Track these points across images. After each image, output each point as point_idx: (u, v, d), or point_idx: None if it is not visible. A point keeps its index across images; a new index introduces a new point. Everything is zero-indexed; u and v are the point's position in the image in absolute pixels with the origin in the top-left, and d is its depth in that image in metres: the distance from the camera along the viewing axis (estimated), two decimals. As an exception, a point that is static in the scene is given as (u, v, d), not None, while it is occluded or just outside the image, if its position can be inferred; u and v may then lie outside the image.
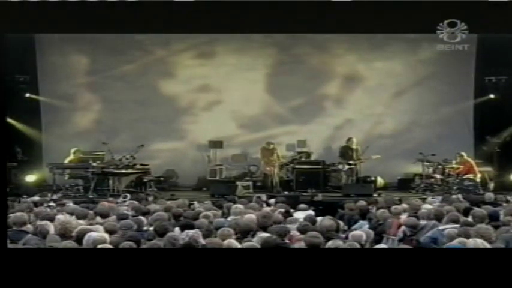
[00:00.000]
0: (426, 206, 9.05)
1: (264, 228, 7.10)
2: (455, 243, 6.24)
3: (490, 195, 10.77)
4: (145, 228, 7.69)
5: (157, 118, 15.63)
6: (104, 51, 15.48)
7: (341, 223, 8.51)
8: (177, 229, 7.08)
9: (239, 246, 6.27)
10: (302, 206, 10.01)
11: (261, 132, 15.70)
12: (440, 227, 7.24)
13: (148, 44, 15.54)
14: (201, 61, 15.68)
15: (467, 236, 6.28)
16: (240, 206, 9.15)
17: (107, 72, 15.60)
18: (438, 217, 7.82)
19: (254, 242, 6.35)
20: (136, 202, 10.30)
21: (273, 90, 15.75)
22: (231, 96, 15.74)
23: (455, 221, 7.32)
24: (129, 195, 11.42)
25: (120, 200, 10.93)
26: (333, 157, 14.99)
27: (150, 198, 11.56)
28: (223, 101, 15.80)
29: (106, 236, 6.47)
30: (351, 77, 15.76)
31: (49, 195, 11.59)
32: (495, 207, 8.94)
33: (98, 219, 8.02)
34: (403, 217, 8.34)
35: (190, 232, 6.33)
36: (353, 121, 15.74)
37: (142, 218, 7.85)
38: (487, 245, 5.92)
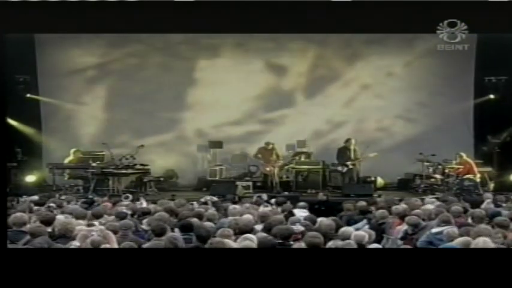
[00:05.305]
0: (427, 206, 9.04)
1: (268, 229, 7.09)
2: (458, 243, 6.23)
3: (488, 196, 10.78)
4: (144, 228, 7.72)
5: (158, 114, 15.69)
6: (104, 48, 15.48)
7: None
8: (177, 230, 7.09)
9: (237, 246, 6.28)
10: (301, 204, 10.01)
11: (254, 126, 15.77)
12: (433, 230, 7.22)
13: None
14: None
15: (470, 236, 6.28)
16: (237, 206, 9.16)
17: (107, 70, 15.62)
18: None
19: (250, 242, 6.35)
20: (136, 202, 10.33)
21: (268, 86, 15.73)
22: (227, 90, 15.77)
23: (447, 222, 7.30)
24: (130, 196, 11.41)
25: (123, 199, 10.89)
26: (330, 155, 14.99)
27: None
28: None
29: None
30: (349, 75, 15.77)
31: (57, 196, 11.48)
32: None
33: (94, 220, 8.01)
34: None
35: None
36: (351, 121, 15.76)
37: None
38: (492, 245, 5.92)
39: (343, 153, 14.38)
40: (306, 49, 15.63)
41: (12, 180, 13.56)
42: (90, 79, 15.62)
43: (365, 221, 8.95)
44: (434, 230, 7.19)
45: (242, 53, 15.64)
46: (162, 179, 14.85)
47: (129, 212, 8.54)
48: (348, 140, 14.44)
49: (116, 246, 6.33)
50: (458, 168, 13.68)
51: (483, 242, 5.95)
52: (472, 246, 5.98)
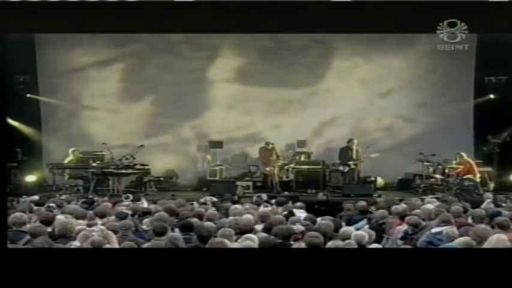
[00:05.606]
0: (427, 206, 9.04)
1: (268, 229, 7.09)
2: (458, 243, 6.23)
3: (488, 196, 10.78)
4: (145, 228, 7.72)
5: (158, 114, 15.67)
6: (104, 48, 15.47)
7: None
8: (177, 230, 7.09)
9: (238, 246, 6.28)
10: (299, 204, 10.01)
11: (254, 126, 15.78)
12: (433, 230, 7.21)
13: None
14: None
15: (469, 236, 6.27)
16: (238, 206, 9.17)
17: (107, 70, 15.61)
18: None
19: (251, 242, 6.34)
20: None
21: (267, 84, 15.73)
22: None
23: (447, 222, 7.30)
24: (131, 196, 11.41)
25: (123, 199, 10.88)
26: (330, 155, 14.99)
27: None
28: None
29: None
30: (349, 75, 15.77)
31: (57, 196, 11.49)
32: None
33: (97, 219, 8.02)
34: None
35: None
36: (351, 120, 15.75)
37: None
38: (507, 242, 5.91)
39: (345, 153, 14.38)
40: (306, 48, 15.64)
41: (12, 180, 13.58)
42: (90, 79, 15.62)
43: (365, 221, 8.95)
44: (434, 230, 7.19)
45: (242, 52, 15.66)
46: (162, 179, 14.85)
47: (130, 212, 8.53)
48: (350, 140, 14.45)
49: (116, 246, 6.33)
50: (458, 168, 13.68)
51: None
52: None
